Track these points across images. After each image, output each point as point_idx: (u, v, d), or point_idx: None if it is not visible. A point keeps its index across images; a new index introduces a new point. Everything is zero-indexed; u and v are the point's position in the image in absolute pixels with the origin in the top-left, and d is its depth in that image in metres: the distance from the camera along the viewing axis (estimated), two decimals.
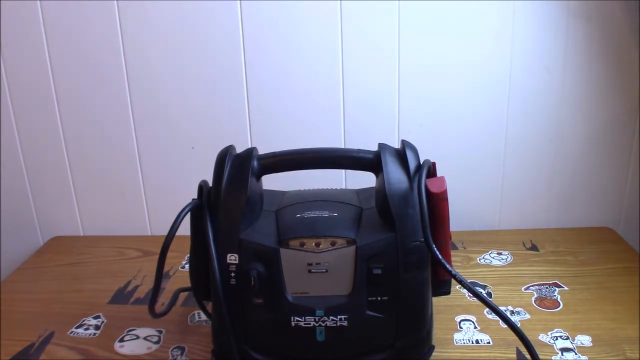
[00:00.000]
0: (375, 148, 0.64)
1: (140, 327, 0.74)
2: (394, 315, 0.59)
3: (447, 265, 0.56)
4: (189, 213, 0.62)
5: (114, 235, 1.02)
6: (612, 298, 0.77)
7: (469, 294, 0.67)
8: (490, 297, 0.79)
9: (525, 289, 0.80)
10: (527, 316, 0.74)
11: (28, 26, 0.91)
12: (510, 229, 1.00)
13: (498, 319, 0.71)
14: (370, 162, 0.63)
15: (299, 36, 0.91)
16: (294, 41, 0.91)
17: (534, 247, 0.93)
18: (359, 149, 0.64)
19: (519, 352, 0.67)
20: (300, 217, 0.62)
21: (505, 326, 0.58)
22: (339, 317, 0.58)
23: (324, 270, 0.58)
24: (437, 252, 0.56)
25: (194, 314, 0.77)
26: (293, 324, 0.58)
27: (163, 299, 0.80)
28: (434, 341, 0.65)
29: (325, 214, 0.62)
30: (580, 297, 0.78)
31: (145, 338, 0.72)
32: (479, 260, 0.90)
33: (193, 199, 0.63)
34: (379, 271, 0.58)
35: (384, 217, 0.60)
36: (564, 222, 1.00)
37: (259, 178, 0.64)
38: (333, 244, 0.59)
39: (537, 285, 0.81)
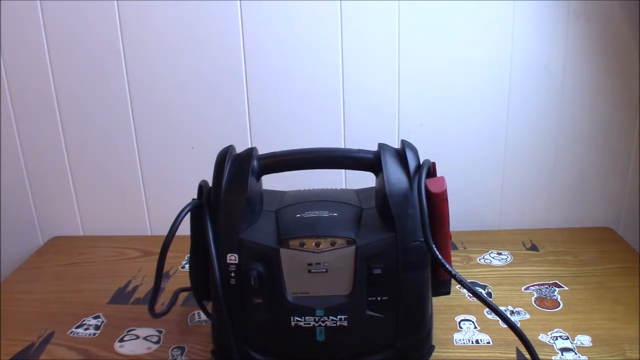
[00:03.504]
0: (375, 148, 0.64)
1: (140, 327, 0.74)
2: (394, 315, 0.59)
3: (447, 265, 0.56)
4: (189, 213, 0.62)
5: (114, 235, 1.02)
6: (612, 298, 0.77)
7: (469, 294, 0.67)
8: (490, 297, 0.79)
9: (525, 289, 0.80)
10: (527, 316, 0.74)
11: (28, 26, 0.91)
12: (510, 229, 1.00)
13: (498, 319, 0.71)
14: (370, 162, 0.63)
15: (299, 36, 0.91)
16: (294, 41, 0.91)
17: (534, 247, 0.93)
18: (359, 149, 0.64)
19: (519, 352, 0.67)
20: (300, 217, 0.62)
21: (505, 326, 0.58)
22: (339, 317, 0.58)
23: (324, 270, 0.58)
24: (437, 252, 0.56)
25: (194, 314, 0.77)
26: (293, 324, 0.58)
27: (163, 299, 0.80)
28: (434, 341, 0.65)
29: (325, 214, 0.62)
30: (580, 297, 0.78)
31: (145, 338, 0.72)
32: (479, 260, 0.90)
33: (193, 199, 0.63)
34: (379, 271, 0.58)
35: (384, 217, 0.60)
36: (564, 222, 1.00)
37: (259, 178, 0.64)
38: (333, 244, 0.59)
39: (537, 285, 0.81)
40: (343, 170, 0.97)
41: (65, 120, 0.97)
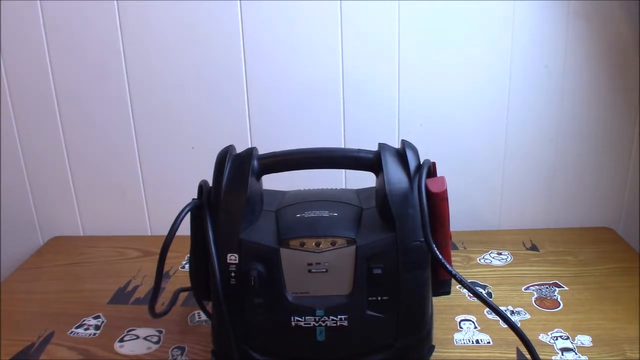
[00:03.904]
0: (375, 148, 0.64)
1: (140, 327, 0.74)
2: (394, 315, 0.59)
3: (447, 265, 0.56)
4: (189, 213, 0.62)
5: (114, 235, 1.02)
6: (612, 298, 0.77)
7: (469, 294, 0.67)
8: (490, 297, 0.79)
9: (525, 289, 0.80)
10: (527, 316, 0.74)
11: (28, 26, 0.91)
12: (510, 229, 1.00)
13: (498, 319, 0.71)
14: (370, 162, 0.63)
15: (299, 36, 0.91)
16: (294, 41, 0.91)
17: (534, 247, 0.93)
18: (359, 149, 0.64)
19: (519, 352, 0.67)
20: (301, 217, 0.61)
21: (506, 326, 0.58)
22: (339, 317, 0.58)
23: (324, 270, 0.58)
24: (437, 251, 0.56)
25: (194, 314, 0.77)
26: (293, 324, 0.58)
27: (163, 299, 0.80)
28: (434, 341, 0.65)
29: (326, 213, 0.62)
30: (580, 297, 0.78)
31: (145, 338, 0.72)
32: (479, 260, 0.90)
33: (193, 199, 0.63)
34: (379, 271, 0.58)
35: (384, 217, 0.60)
36: (564, 222, 1.00)
37: (259, 178, 0.64)
38: (333, 243, 0.59)
39: (537, 285, 0.81)
40: (343, 170, 0.97)
41: (65, 120, 0.97)
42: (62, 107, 0.96)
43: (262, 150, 0.66)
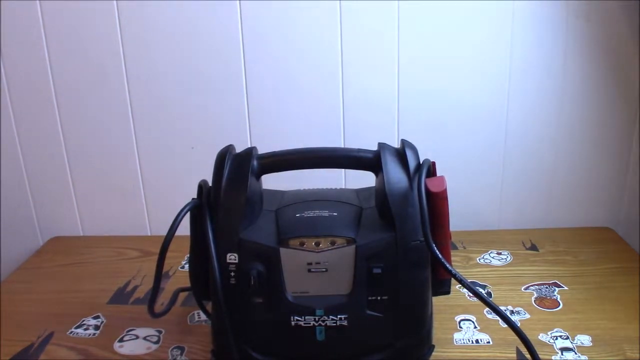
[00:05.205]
0: (375, 148, 0.64)
1: (139, 327, 0.74)
2: (394, 315, 0.59)
3: (447, 265, 0.56)
4: (188, 213, 0.62)
5: (114, 235, 1.02)
6: (612, 298, 0.77)
7: (469, 293, 0.67)
8: (490, 297, 0.79)
9: (525, 289, 0.80)
10: (527, 316, 0.74)
11: (28, 26, 0.91)
12: (510, 228, 1.00)
13: (498, 318, 0.71)
14: (370, 161, 0.63)
15: (299, 36, 0.91)
16: (294, 41, 0.91)
17: (533, 247, 0.93)
18: (358, 149, 0.64)
19: (519, 352, 0.67)
20: (300, 216, 0.61)
21: (505, 326, 0.58)
22: (338, 316, 0.58)
23: (324, 269, 0.58)
24: (436, 251, 0.56)
25: (193, 314, 0.77)
26: (293, 323, 0.58)
27: (163, 299, 0.80)
28: (434, 341, 0.65)
29: (325, 213, 0.62)
30: (580, 297, 0.78)
31: (144, 338, 0.72)
32: (479, 260, 0.90)
33: (193, 199, 0.63)
34: (378, 270, 0.58)
35: (383, 216, 0.60)
36: (564, 222, 1.00)
37: (258, 177, 0.64)
38: (333, 243, 0.59)
39: (536, 285, 0.81)
40: (343, 170, 0.97)
41: (65, 120, 0.97)
42: (61, 108, 0.96)
43: (261, 150, 0.66)
